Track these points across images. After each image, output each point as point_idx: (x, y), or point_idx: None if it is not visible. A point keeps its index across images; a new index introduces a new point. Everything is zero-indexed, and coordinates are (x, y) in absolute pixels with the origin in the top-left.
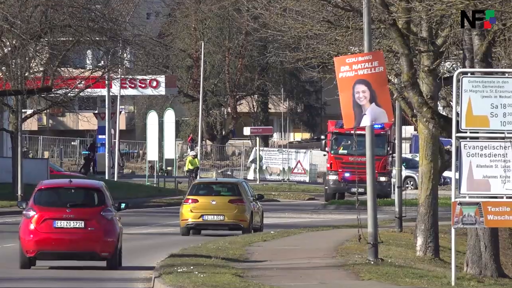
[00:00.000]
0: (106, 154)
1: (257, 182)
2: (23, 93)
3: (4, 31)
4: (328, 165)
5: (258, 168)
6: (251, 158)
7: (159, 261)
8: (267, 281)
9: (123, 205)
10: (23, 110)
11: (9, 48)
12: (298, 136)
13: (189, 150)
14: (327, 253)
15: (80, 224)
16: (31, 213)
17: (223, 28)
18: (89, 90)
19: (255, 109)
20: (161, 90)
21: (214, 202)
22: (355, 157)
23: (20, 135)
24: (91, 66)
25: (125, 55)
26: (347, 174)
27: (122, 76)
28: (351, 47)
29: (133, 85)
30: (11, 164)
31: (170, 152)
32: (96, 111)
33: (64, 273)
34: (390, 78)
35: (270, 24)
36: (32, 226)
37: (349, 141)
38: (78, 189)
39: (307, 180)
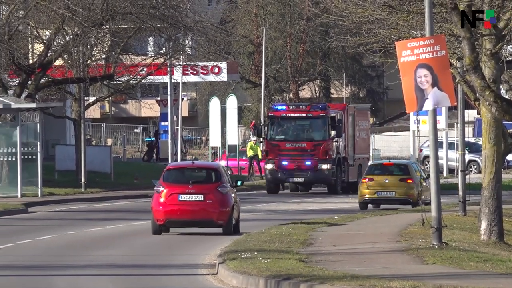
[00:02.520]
0: (169, 141)
1: None
2: (85, 81)
3: (66, 19)
4: (264, 153)
5: None
6: None
7: (223, 247)
8: (331, 266)
9: (239, 183)
10: (85, 98)
11: (71, 36)
12: None
13: (251, 136)
14: (390, 237)
15: (200, 197)
16: (161, 188)
17: (284, 14)
18: (151, 77)
19: (317, 94)
20: (223, 77)
21: (387, 181)
22: (292, 142)
23: (83, 122)
24: (153, 53)
25: (186, 41)
26: (284, 162)
27: (184, 63)
28: (412, 32)
29: (195, 72)
30: (74, 151)
31: (232, 138)
32: (159, 98)
33: (129, 259)
34: (452, 62)
35: (331, 9)
36: (161, 199)
37: (286, 126)
38: (199, 169)
39: None
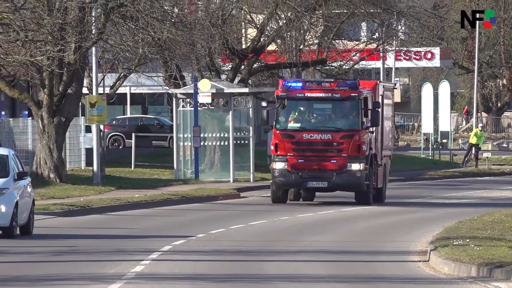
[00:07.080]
0: None
1: None
2: (298, 66)
3: (279, 4)
4: (272, 147)
5: None
6: None
7: (435, 234)
8: None
9: None
10: None
11: (284, 21)
12: None
13: (477, 122)
14: None
15: None
16: None
17: None
18: (363, 62)
19: None
20: (436, 62)
21: None
22: (312, 133)
23: None
24: (365, 38)
25: (399, 27)
26: (301, 161)
27: (397, 48)
28: None
29: (407, 57)
30: None
31: (445, 125)
32: None
33: (340, 245)
34: None
35: None
36: None
37: (302, 110)
38: None
39: None
